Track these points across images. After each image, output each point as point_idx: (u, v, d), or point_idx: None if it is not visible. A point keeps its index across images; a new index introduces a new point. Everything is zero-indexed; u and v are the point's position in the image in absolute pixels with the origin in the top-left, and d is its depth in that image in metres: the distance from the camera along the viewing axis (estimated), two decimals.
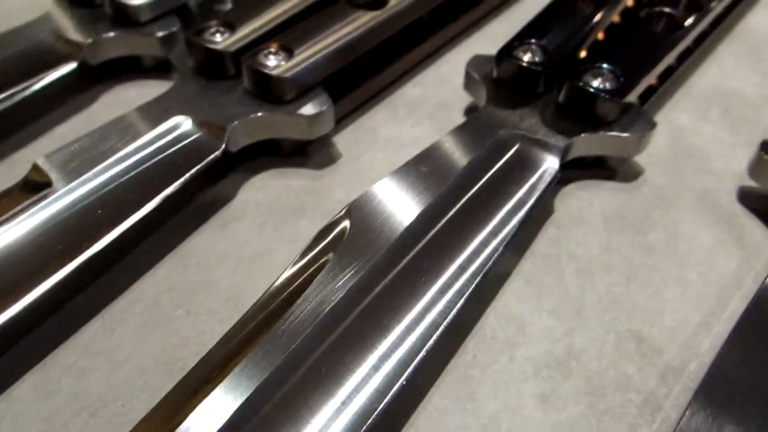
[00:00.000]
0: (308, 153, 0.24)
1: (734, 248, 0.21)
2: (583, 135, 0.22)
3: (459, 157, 0.21)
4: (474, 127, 0.23)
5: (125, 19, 0.26)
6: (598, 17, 0.25)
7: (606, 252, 0.21)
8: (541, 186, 0.21)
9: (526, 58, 0.24)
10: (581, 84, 0.22)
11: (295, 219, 0.22)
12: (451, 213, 0.20)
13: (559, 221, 0.22)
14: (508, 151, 0.22)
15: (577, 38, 0.24)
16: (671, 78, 0.28)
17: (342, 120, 0.26)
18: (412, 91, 0.28)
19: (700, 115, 0.27)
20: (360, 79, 0.26)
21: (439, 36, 0.30)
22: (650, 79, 0.23)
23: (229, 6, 0.29)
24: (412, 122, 0.26)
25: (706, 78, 0.29)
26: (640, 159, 0.24)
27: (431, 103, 0.27)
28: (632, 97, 0.23)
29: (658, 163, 0.24)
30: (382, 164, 0.24)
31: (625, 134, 0.22)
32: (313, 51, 0.23)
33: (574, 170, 0.24)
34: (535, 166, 0.21)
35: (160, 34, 0.26)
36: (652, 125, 0.22)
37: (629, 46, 0.24)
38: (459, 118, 0.26)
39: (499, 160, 0.21)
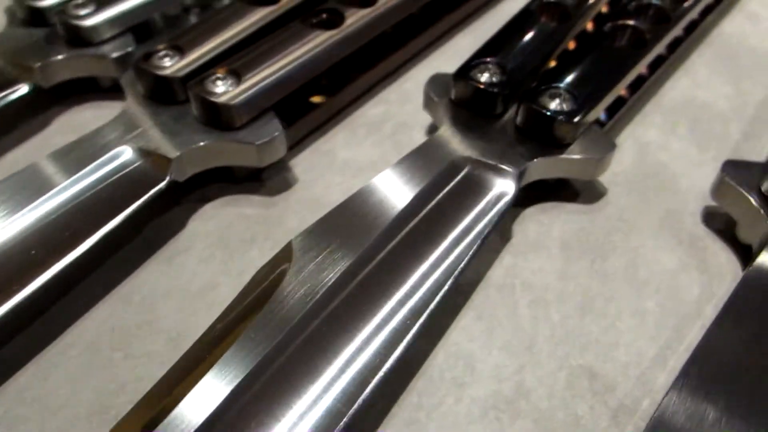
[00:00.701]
0: (263, 178, 0.24)
1: (696, 273, 0.21)
2: (537, 160, 0.21)
3: (411, 184, 0.21)
4: (429, 151, 0.22)
5: (78, 39, 0.26)
6: (559, 34, 0.25)
7: (562, 280, 0.20)
8: (495, 213, 0.20)
9: (484, 78, 0.23)
10: (537, 106, 0.21)
11: (245, 250, 0.21)
12: (398, 245, 0.19)
13: (516, 248, 0.22)
14: (462, 176, 0.21)
15: (537, 57, 0.24)
16: (642, 88, 0.27)
17: (300, 142, 0.25)
18: (373, 110, 0.27)
19: (668, 130, 0.26)
20: (318, 100, 0.26)
21: (402, 52, 0.29)
22: (610, 98, 0.23)
23: (191, 24, 0.28)
24: (372, 143, 0.26)
25: (678, 89, 0.28)
26: (605, 178, 0.24)
27: (393, 122, 0.26)
28: (592, 117, 0.22)
29: (622, 182, 0.24)
30: (338, 189, 0.23)
31: (583, 157, 0.21)
32: (264, 75, 0.22)
33: (536, 191, 0.23)
34: (489, 193, 0.21)
35: (114, 55, 0.26)
36: (612, 147, 0.22)
37: (589, 64, 0.23)
38: (420, 138, 0.26)
39: (452, 187, 0.21)
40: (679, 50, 0.29)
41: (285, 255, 0.18)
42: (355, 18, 0.25)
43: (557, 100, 0.22)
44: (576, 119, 0.21)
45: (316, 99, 0.26)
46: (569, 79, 0.22)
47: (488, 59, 0.23)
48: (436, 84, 0.24)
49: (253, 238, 0.22)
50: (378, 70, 0.28)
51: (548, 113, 0.21)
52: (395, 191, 0.20)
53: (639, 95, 0.27)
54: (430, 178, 0.21)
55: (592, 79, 0.23)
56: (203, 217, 0.22)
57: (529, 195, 0.23)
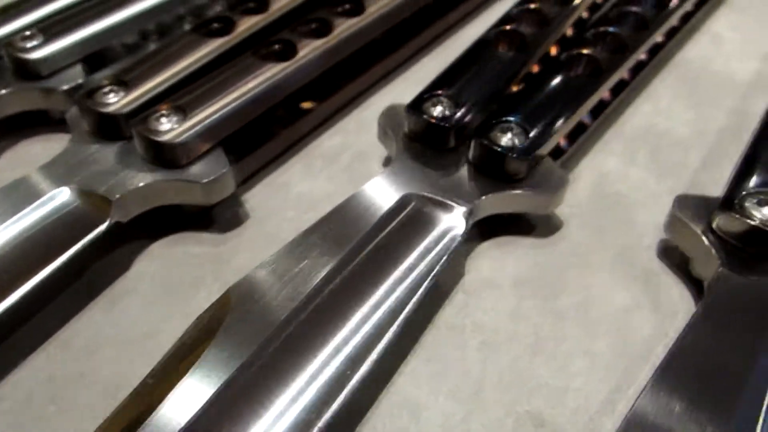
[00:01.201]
0: (213, 214, 0.23)
1: (648, 312, 0.20)
2: (487, 197, 0.21)
3: (359, 223, 0.20)
4: (380, 186, 0.22)
5: (26, 72, 0.25)
6: (516, 64, 0.24)
7: (514, 320, 0.20)
8: (445, 252, 0.20)
9: (437, 112, 0.23)
10: (488, 142, 0.21)
11: (191, 293, 0.21)
12: (342, 289, 0.18)
13: (469, 286, 0.21)
14: (412, 214, 0.21)
15: (492, 88, 0.23)
16: (604, 114, 0.27)
17: (254, 174, 0.25)
18: (331, 140, 0.27)
19: (627, 159, 0.26)
20: (273, 131, 0.25)
21: (362, 79, 0.28)
22: (563, 131, 0.23)
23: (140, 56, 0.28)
24: (328, 175, 0.25)
25: (639, 115, 0.28)
26: (562, 210, 0.24)
27: (350, 153, 0.26)
28: (544, 150, 0.22)
29: (579, 215, 0.23)
30: (291, 225, 0.23)
31: (535, 193, 0.21)
32: (211, 111, 0.22)
33: (493, 224, 0.23)
34: (439, 231, 0.20)
35: (64, 87, 0.25)
36: (565, 181, 0.22)
37: (543, 96, 0.23)
38: (377, 168, 0.25)
39: (401, 225, 0.20)
40: (642, 74, 0.29)
41: (223, 303, 0.18)
42: (308, 49, 0.25)
43: (509, 135, 0.22)
44: (527, 155, 0.21)
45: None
46: (522, 111, 0.22)
47: (442, 92, 0.23)
48: (391, 116, 0.24)
49: (201, 279, 0.21)
50: (336, 99, 0.27)
51: (499, 149, 0.21)
52: (341, 231, 0.20)
53: (601, 121, 0.27)
54: (378, 215, 0.20)
55: (546, 111, 0.22)
56: (150, 256, 0.22)
57: (485, 228, 0.23)
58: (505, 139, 0.21)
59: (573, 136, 0.25)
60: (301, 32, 0.25)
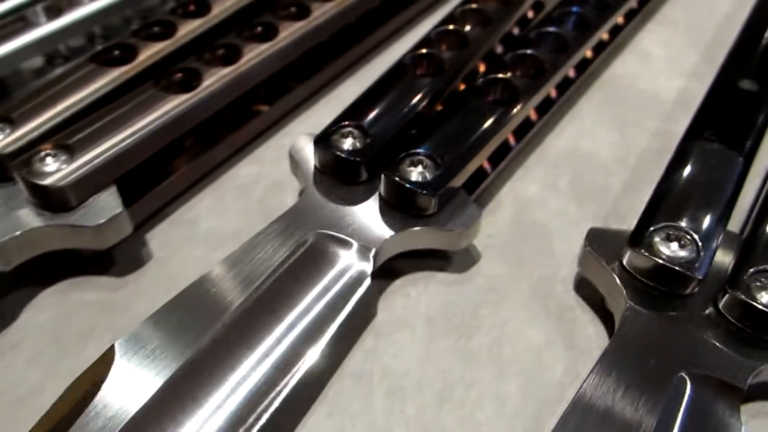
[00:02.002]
0: (113, 255, 0.22)
1: (562, 350, 0.20)
2: (395, 236, 0.20)
3: (260, 267, 0.19)
4: (286, 224, 0.21)
5: None
6: (431, 90, 0.24)
7: (424, 364, 0.19)
8: (351, 296, 0.19)
9: (346, 144, 0.22)
10: (397, 177, 0.20)
11: (81, 345, 0.19)
12: (237, 341, 0.17)
13: (380, 327, 0.20)
14: (316, 255, 0.20)
15: (405, 117, 0.23)
16: (529, 134, 0.26)
17: (160, 210, 0.24)
18: (246, 169, 0.26)
19: (549, 184, 0.25)
20: (181, 164, 0.24)
21: (280, 104, 0.27)
22: (477, 162, 0.22)
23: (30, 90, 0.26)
24: (239, 209, 0.24)
25: (563, 137, 0.28)
26: (480, 241, 0.23)
27: (265, 184, 0.25)
28: (457, 183, 0.21)
29: (497, 246, 0.23)
30: (196, 265, 0.22)
31: (446, 229, 0.20)
32: (102, 149, 0.20)
33: (409, 258, 0.22)
34: (345, 273, 0.19)
35: None
36: (477, 216, 0.21)
37: (456, 125, 0.22)
38: (292, 201, 0.24)
39: (305, 268, 0.19)
40: (568, 92, 0.29)
41: (105, 361, 0.17)
42: (216, 77, 0.24)
43: (419, 168, 0.21)
44: (436, 191, 0.20)
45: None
46: (434, 142, 0.21)
47: (352, 122, 0.22)
48: (301, 147, 0.23)
49: (93, 329, 0.20)
50: (252, 126, 0.26)
51: (407, 185, 0.20)
52: (240, 276, 0.19)
53: (525, 143, 0.26)
54: (281, 257, 0.19)
55: (459, 142, 0.22)
56: (39, 305, 0.20)
57: (402, 262, 0.22)
58: (416, 173, 0.21)
59: (497, 158, 0.25)
60: (207, 60, 0.24)
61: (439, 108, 0.24)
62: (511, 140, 0.26)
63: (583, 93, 0.30)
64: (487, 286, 0.22)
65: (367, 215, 0.21)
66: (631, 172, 0.26)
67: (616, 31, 0.32)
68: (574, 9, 0.29)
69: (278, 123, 0.28)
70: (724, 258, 0.19)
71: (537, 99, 0.25)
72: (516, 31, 0.32)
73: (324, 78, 0.29)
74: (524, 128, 0.26)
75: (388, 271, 0.22)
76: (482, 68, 0.28)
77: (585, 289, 0.21)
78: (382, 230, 0.20)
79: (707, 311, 0.18)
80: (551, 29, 0.27)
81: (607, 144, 0.27)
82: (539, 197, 0.25)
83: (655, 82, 0.31)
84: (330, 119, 0.23)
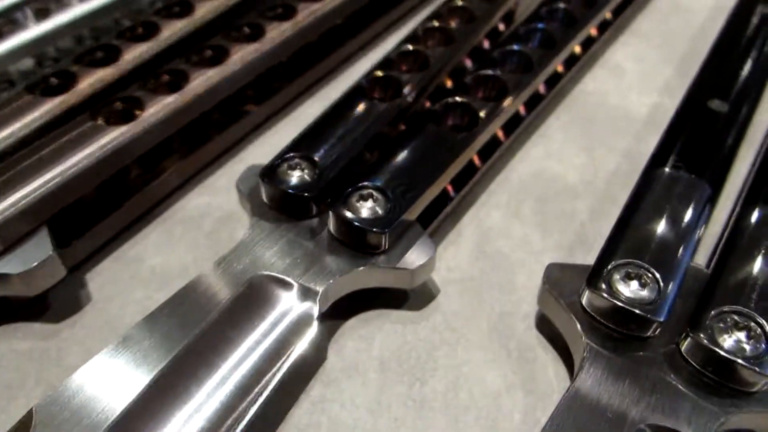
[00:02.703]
0: (48, 299, 0.21)
1: (521, 394, 0.19)
2: (341, 277, 0.19)
3: (200, 313, 0.18)
4: (228, 265, 0.19)
5: None
6: (386, 119, 0.23)
7: (375, 414, 0.18)
8: (296, 342, 0.18)
9: (294, 177, 0.21)
10: (345, 213, 0.19)
11: (8, 399, 0.18)
12: (168, 397, 0.16)
13: (329, 373, 0.19)
14: (259, 299, 0.19)
15: (356, 148, 0.22)
16: (496, 154, 0.25)
17: (103, 247, 0.23)
18: (197, 200, 0.24)
19: (513, 211, 0.24)
20: (126, 196, 0.23)
21: (236, 128, 0.26)
22: (432, 194, 0.21)
23: None
24: (188, 244, 0.23)
25: (529, 159, 0.26)
26: (439, 274, 0.22)
27: (216, 215, 0.24)
28: (410, 216, 0.20)
29: (456, 280, 0.22)
30: (138, 307, 0.21)
31: (396, 268, 0.19)
32: (30, 189, 0.19)
33: (362, 294, 0.21)
34: (289, 319, 0.18)
35: None
36: (431, 252, 0.20)
37: (410, 155, 0.21)
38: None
39: (245, 314, 0.18)
40: (537, 109, 0.28)
41: (23, 427, 0.15)
42: (159, 107, 0.22)
43: (369, 203, 0.20)
44: (386, 228, 0.19)
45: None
46: (386, 174, 0.20)
47: (301, 153, 0.21)
48: (250, 179, 0.22)
49: (22, 383, 0.19)
50: (204, 153, 0.25)
51: (356, 223, 0.19)
52: (172, 326, 0.18)
53: (491, 164, 0.25)
54: (219, 304, 0.18)
55: (412, 173, 0.21)
56: None
57: (354, 300, 0.21)
58: (366, 209, 0.20)
59: (461, 181, 0.24)
60: (152, 87, 0.23)
61: (398, 133, 0.23)
62: (477, 162, 0.25)
63: (552, 111, 0.29)
64: (444, 325, 0.20)
65: (316, 253, 0.20)
66: (599, 197, 0.25)
67: (588, 43, 0.31)
68: (540, 25, 0.28)
69: (233, 148, 0.27)
70: (690, 295, 0.18)
71: (499, 122, 0.24)
72: (486, 44, 0.32)
73: (283, 99, 0.28)
74: (490, 149, 0.25)
75: (340, 309, 0.20)
76: (449, 84, 0.27)
77: (546, 326, 0.20)
78: (330, 270, 0.19)
79: (670, 353, 0.17)
80: (515, 47, 0.26)
81: (575, 166, 0.26)
82: (502, 225, 0.24)
83: (626, 99, 0.30)
84: (289, 140, 0.22)
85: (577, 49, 0.31)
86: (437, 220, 0.23)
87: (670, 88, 0.30)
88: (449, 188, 0.23)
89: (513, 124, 0.26)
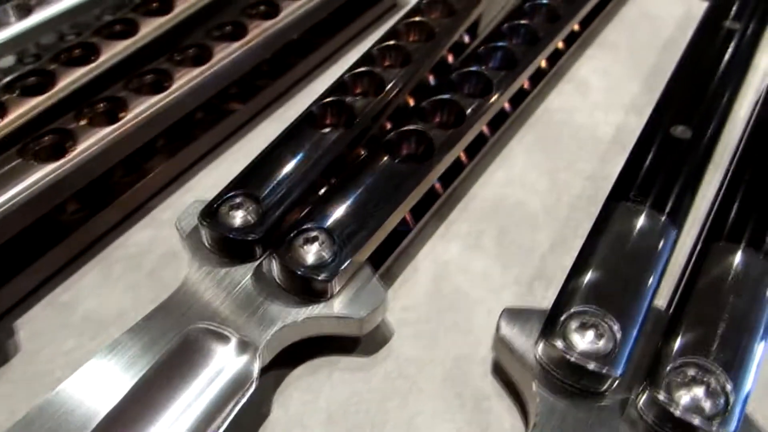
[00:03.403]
0: None
1: None
2: (284, 327, 0.18)
3: (131, 369, 0.17)
4: (163, 316, 0.18)
5: None
6: (337, 149, 0.21)
7: None
8: (234, 400, 0.17)
9: (237, 218, 0.19)
10: (288, 259, 0.18)
11: None
12: None
13: (273, 428, 0.18)
14: (195, 353, 0.17)
15: (303, 185, 0.20)
16: (458, 178, 0.24)
17: (34, 292, 0.21)
18: (138, 235, 0.23)
19: (472, 243, 0.23)
20: (61, 234, 0.21)
21: (183, 155, 0.25)
22: (382, 234, 0.20)
23: None
24: (127, 285, 0.22)
25: (490, 185, 0.25)
26: (393, 315, 0.21)
27: (159, 252, 0.23)
28: (359, 258, 0.19)
29: (411, 321, 0.21)
30: (69, 359, 0.19)
31: (343, 316, 0.18)
32: None
33: (311, 342, 0.20)
34: (227, 374, 0.17)
35: None
36: (380, 299, 0.19)
37: (358, 193, 0.20)
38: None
39: (179, 371, 0.17)
40: (501, 129, 0.27)
41: None
42: (92, 140, 0.21)
43: (315, 246, 0.19)
44: (333, 275, 0.18)
45: None
46: (332, 214, 0.19)
47: (243, 191, 0.20)
48: (191, 216, 0.21)
49: None
50: (147, 184, 0.24)
51: (299, 271, 0.18)
52: (99, 388, 0.16)
53: (453, 189, 0.24)
54: (154, 360, 0.17)
55: (361, 211, 0.20)
56: None
57: (302, 346, 0.20)
58: (311, 254, 0.18)
59: (419, 212, 0.23)
60: (85, 116, 0.22)
61: (350, 166, 0.22)
62: (438, 187, 0.24)
63: (516, 131, 0.28)
64: (397, 372, 0.19)
65: (258, 301, 0.18)
66: (560, 225, 0.24)
67: (555, 56, 0.30)
68: (501, 44, 0.27)
69: (180, 177, 0.25)
70: (649, 339, 0.18)
71: (457, 150, 0.23)
72: (451, 58, 0.31)
73: (235, 122, 0.27)
74: (452, 173, 0.24)
75: (287, 355, 0.19)
76: (412, 102, 0.26)
77: (503, 373, 0.19)
78: (273, 320, 0.18)
79: (628, 407, 0.17)
80: (474, 69, 0.25)
81: (537, 192, 0.25)
82: (461, 259, 0.23)
83: (591, 117, 0.29)
84: (243, 167, 0.21)
85: (543, 63, 0.30)
86: (392, 256, 0.21)
87: (637, 105, 0.29)
88: (408, 217, 0.22)
89: (476, 146, 0.25)
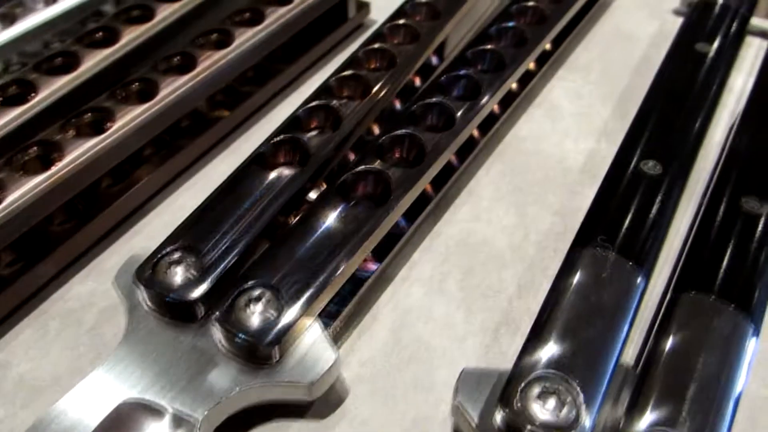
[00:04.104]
0: None
1: None
2: (223, 399, 0.16)
3: None
4: (95, 386, 0.17)
5: None
6: (281, 198, 0.20)
7: None
8: None
9: (177, 276, 0.18)
10: (227, 323, 0.17)
11: None
12: None
13: None
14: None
15: (249, 236, 0.19)
16: (422, 216, 0.23)
17: None
18: (79, 288, 0.22)
19: (435, 287, 0.22)
20: None
21: (130, 197, 0.23)
22: (333, 289, 0.18)
23: None
24: (64, 344, 0.20)
25: (456, 221, 0.24)
26: (349, 371, 0.20)
27: (101, 305, 0.21)
28: (308, 319, 0.18)
29: (368, 377, 0.20)
30: None
31: (290, 383, 0.17)
32: None
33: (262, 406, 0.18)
34: None
35: None
36: (330, 361, 0.17)
37: (307, 244, 0.19)
38: None
39: None
40: (468, 159, 0.26)
41: None
42: (37, 180, 0.19)
43: (260, 306, 0.17)
44: (278, 340, 0.17)
45: None
46: (279, 269, 0.18)
47: (183, 245, 0.18)
48: (128, 273, 0.19)
49: None
50: (89, 231, 0.22)
51: (241, 336, 0.17)
52: None
53: (417, 226, 0.23)
54: None
55: (310, 264, 0.18)
56: None
57: (249, 412, 0.18)
58: (256, 314, 0.17)
59: (382, 253, 0.22)
60: (17, 163, 0.20)
61: (281, 231, 0.20)
62: (402, 224, 0.23)
63: (483, 161, 0.27)
64: None
65: (198, 368, 0.17)
66: (528, 265, 0.23)
67: (525, 78, 0.29)
68: (464, 72, 0.25)
69: (127, 220, 0.24)
70: (616, 400, 0.17)
71: (417, 190, 0.22)
72: (418, 81, 0.29)
73: (187, 157, 0.25)
74: (416, 209, 0.23)
75: (234, 421, 0.18)
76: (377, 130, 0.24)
77: None
78: (213, 390, 0.17)
79: None
80: (435, 100, 0.24)
81: (504, 228, 0.24)
82: (423, 303, 0.21)
83: (561, 145, 0.28)
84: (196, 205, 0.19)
85: (514, 85, 0.29)
86: (350, 305, 0.20)
87: (608, 131, 0.28)
88: (369, 258, 0.21)
89: (442, 177, 0.24)
